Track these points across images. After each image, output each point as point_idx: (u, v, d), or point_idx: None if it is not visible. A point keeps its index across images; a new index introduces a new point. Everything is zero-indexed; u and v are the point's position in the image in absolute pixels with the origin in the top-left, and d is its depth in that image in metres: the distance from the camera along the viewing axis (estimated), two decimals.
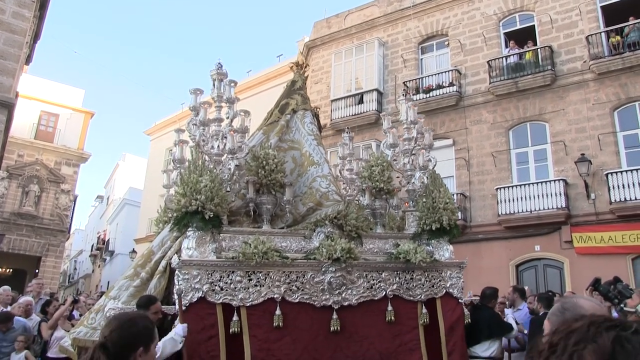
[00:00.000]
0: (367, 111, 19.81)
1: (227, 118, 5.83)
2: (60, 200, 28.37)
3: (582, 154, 15.53)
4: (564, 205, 15.55)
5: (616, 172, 15.02)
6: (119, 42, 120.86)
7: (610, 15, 16.73)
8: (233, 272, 4.95)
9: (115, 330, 2.41)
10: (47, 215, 27.64)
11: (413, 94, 18.80)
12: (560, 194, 15.71)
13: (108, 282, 34.98)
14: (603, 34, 16.44)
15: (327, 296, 5.22)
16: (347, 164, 7.27)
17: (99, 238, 45.23)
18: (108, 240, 42.03)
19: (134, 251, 29.88)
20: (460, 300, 6.02)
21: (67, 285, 49.89)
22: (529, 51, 17.67)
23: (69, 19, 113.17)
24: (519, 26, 18.59)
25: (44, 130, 29.26)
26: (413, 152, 6.61)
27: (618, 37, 16.00)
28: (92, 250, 45.65)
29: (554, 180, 15.99)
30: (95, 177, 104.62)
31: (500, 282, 13.75)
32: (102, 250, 42.37)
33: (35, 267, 26.98)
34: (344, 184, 7.08)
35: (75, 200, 30.26)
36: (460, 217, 16.57)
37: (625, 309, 5.13)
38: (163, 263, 6.21)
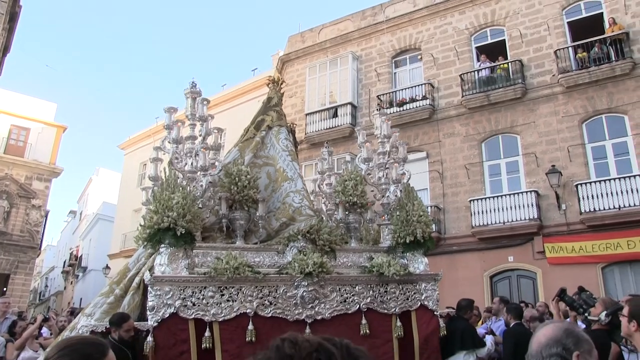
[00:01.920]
0: (341, 125, 19.91)
1: (200, 136, 5.86)
2: (31, 216, 27.87)
3: (553, 166, 15.81)
4: (536, 216, 15.77)
5: (585, 183, 15.31)
6: (93, 56, 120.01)
7: (577, 30, 17.14)
8: (205, 287, 4.97)
9: (64, 348, 2.15)
10: (16, 232, 27.08)
11: (387, 108, 18.96)
12: (532, 205, 15.94)
13: (81, 299, 34.44)
14: (570, 48, 16.82)
15: (300, 310, 5.24)
16: (327, 178, 7.30)
17: (71, 254, 44.49)
18: (81, 256, 41.37)
19: (107, 267, 29.52)
20: (435, 313, 6.05)
21: (38, 303, 48.88)
22: (500, 65, 17.95)
23: (41, 32, 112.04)
24: (490, 40, 18.90)
25: (14, 145, 28.77)
26: (387, 166, 6.66)
27: (585, 53, 16.38)
28: (64, 266, 44.87)
29: (526, 192, 16.23)
30: (68, 192, 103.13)
31: (475, 293, 13.89)
32: (74, 266, 41.70)
33: (3, 286, 26.34)
34: (323, 198, 7.11)
35: (46, 216, 29.75)
36: (434, 229, 16.70)
37: (589, 317, 5.22)
38: (137, 279, 6.20)
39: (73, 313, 11.34)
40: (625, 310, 3.30)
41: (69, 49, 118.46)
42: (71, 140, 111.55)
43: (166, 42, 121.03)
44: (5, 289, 26.08)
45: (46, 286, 51.62)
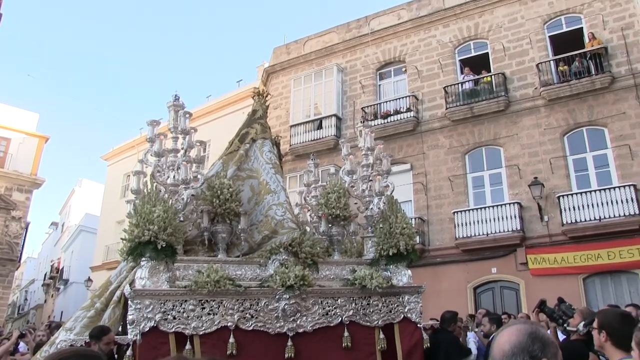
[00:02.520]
0: (326, 136, 19.95)
1: (183, 149, 5.86)
2: (11, 228, 27.46)
3: (535, 178, 15.95)
4: (519, 228, 15.89)
5: (567, 195, 15.49)
6: (76, 66, 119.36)
7: (558, 44, 17.39)
8: (186, 300, 4.95)
9: None
10: None
11: (371, 120, 19.07)
12: (515, 217, 16.06)
13: (62, 313, 34.02)
14: (552, 62, 17.04)
15: (282, 323, 5.21)
16: (313, 190, 7.31)
17: (52, 266, 43.88)
18: (62, 268, 40.85)
19: (89, 279, 29.22)
20: (419, 325, 6.04)
21: (16, 317, 47.99)
22: (483, 78, 18.12)
23: (22, 42, 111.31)
24: (473, 53, 19.11)
25: None
26: (370, 179, 6.67)
27: (566, 66, 16.61)
28: (45, 279, 44.26)
29: (509, 204, 16.36)
30: (49, 204, 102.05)
31: (458, 305, 13.91)
32: (55, 279, 41.13)
33: None
34: (309, 210, 7.10)
35: (27, 228, 29.31)
36: (418, 241, 16.75)
37: (568, 328, 5.26)
38: (118, 293, 6.17)
39: (51, 327, 11.16)
40: (595, 323, 3.31)
41: (51, 58, 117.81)
42: (53, 150, 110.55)
43: (151, 52, 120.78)
44: None
45: (26, 299, 50.78)
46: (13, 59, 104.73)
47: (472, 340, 8.10)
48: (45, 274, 44.79)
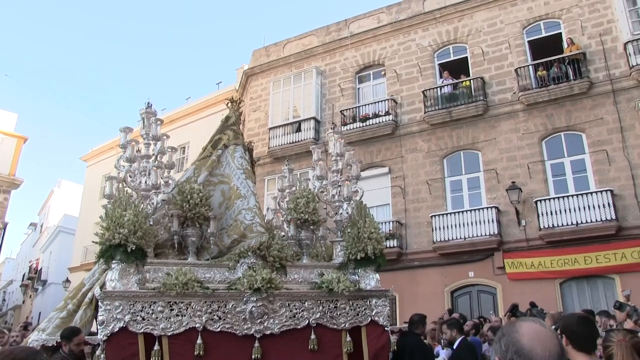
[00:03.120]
0: (304, 139, 19.98)
1: (154, 154, 5.97)
2: None
3: (513, 182, 16.12)
4: (496, 232, 16.04)
5: (545, 200, 15.65)
6: (55, 67, 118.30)
7: (537, 49, 17.59)
8: (155, 302, 5.04)
9: None
10: None
11: (350, 123, 19.16)
12: (492, 221, 16.21)
13: (40, 314, 33.71)
14: (531, 67, 17.22)
15: (249, 325, 5.30)
16: (287, 195, 7.38)
17: (30, 267, 43.57)
18: (41, 269, 40.56)
19: (67, 280, 29.04)
20: (386, 328, 6.12)
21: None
22: (462, 82, 18.27)
23: (0, 41, 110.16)
24: (452, 58, 19.27)
25: None
26: (340, 184, 6.75)
27: (544, 71, 16.79)
28: (23, 279, 43.88)
29: (487, 208, 16.51)
30: (28, 204, 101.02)
31: (435, 309, 14.09)
32: (34, 279, 40.83)
33: None
34: (283, 215, 7.17)
35: (5, 228, 29.04)
36: (396, 245, 16.90)
37: None
38: (90, 295, 6.23)
39: (27, 328, 11.12)
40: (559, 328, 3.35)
41: (30, 58, 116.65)
42: (32, 151, 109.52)
43: (131, 53, 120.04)
44: None
45: (4, 300, 50.33)
46: None
47: (442, 354, 8.20)
48: (24, 275, 44.43)
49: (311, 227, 6.43)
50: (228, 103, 7.61)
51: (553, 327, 5.14)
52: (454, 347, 7.56)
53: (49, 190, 49.23)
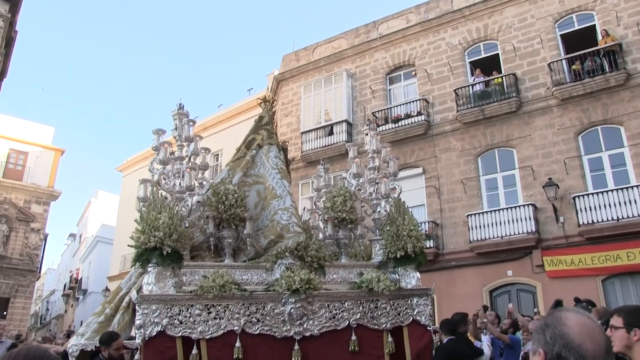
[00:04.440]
0: (337, 142, 19.92)
1: (187, 156, 5.94)
2: (30, 240, 27.86)
3: (550, 179, 15.79)
4: (534, 230, 15.74)
5: (583, 195, 15.30)
6: (90, 79, 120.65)
7: (570, 43, 17.24)
8: (192, 305, 4.98)
9: None
10: (16, 255, 27.05)
11: (382, 124, 19.05)
12: (529, 219, 15.91)
13: (81, 322, 34.22)
14: (564, 61, 16.88)
15: (288, 327, 5.21)
16: (323, 195, 7.30)
17: (71, 277, 44.46)
18: (81, 278, 41.38)
19: (107, 289, 29.45)
20: (428, 328, 6.00)
21: (39, 327, 48.69)
22: (494, 79, 18.02)
23: (37, 56, 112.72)
24: (483, 55, 19.03)
25: (13, 169, 28.87)
26: (377, 181, 6.65)
27: (579, 65, 16.43)
28: (64, 289, 44.79)
29: (524, 205, 16.22)
30: (66, 215, 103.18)
31: (474, 309, 13.78)
32: (74, 289, 41.65)
33: (3, 309, 26.21)
34: (320, 215, 7.10)
35: (45, 239, 29.75)
36: (432, 245, 16.70)
37: None
38: (127, 299, 6.24)
39: (69, 336, 11.30)
40: (618, 321, 3.09)
41: (65, 72, 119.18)
42: (69, 163, 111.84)
43: (163, 63, 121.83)
44: (5, 312, 25.98)
45: (47, 310, 51.49)
46: (28, 74, 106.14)
47: (486, 344, 8.07)
48: (65, 285, 45.38)
49: (349, 225, 6.32)
50: (261, 103, 7.55)
51: (598, 322, 4.97)
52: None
53: (86, 201, 50.09)
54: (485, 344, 8.00)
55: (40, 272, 31.38)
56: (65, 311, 44.24)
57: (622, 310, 3.40)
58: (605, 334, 1.76)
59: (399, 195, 6.63)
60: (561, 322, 1.76)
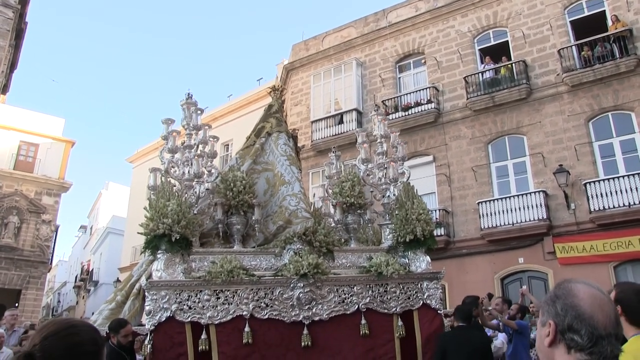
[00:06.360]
0: (347, 131, 19.82)
1: (195, 144, 5.97)
2: (41, 231, 27.96)
3: (560, 165, 15.69)
4: (545, 217, 15.64)
5: (594, 182, 15.17)
6: (99, 71, 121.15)
7: (580, 29, 17.05)
8: (201, 291, 5.02)
9: (50, 337, 1.70)
10: (27, 247, 27.13)
11: (392, 112, 18.95)
12: (541, 206, 15.81)
13: (92, 313, 34.48)
14: (574, 47, 16.72)
15: (297, 312, 5.23)
16: (335, 182, 7.30)
17: (82, 268, 44.71)
18: (92, 270, 41.58)
19: (118, 280, 29.61)
20: (439, 312, 5.99)
21: (51, 318, 48.95)
22: (504, 66, 17.88)
23: (47, 48, 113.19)
24: (493, 42, 18.86)
25: (24, 161, 28.92)
26: (386, 166, 6.62)
27: (589, 51, 16.27)
28: (75, 281, 45.05)
29: (534, 192, 16.11)
30: (77, 207, 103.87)
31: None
32: (86, 280, 41.88)
33: (15, 301, 26.31)
34: (331, 202, 7.11)
35: (56, 231, 29.85)
36: (443, 233, 16.65)
37: None
38: (137, 285, 6.26)
39: None
40: (612, 295, 3.06)
41: (75, 64, 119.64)
42: (80, 154, 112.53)
43: (172, 54, 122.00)
44: (17, 304, 26.09)
45: (59, 301, 51.87)
46: (38, 65, 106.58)
47: (500, 337, 8.03)
48: (76, 276, 45.63)
49: (358, 210, 6.33)
50: (270, 92, 7.56)
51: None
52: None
53: (97, 193, 50.31)
54: (500, 339, 7.96)
55: (51, 263, 31.52)
56: (77, 303, 44.54)
57: (617, 285, 3.41)
58: (614, 305, 1.73)
59: (407, 180, 6.61)
60: (572, 294, 1.72)
